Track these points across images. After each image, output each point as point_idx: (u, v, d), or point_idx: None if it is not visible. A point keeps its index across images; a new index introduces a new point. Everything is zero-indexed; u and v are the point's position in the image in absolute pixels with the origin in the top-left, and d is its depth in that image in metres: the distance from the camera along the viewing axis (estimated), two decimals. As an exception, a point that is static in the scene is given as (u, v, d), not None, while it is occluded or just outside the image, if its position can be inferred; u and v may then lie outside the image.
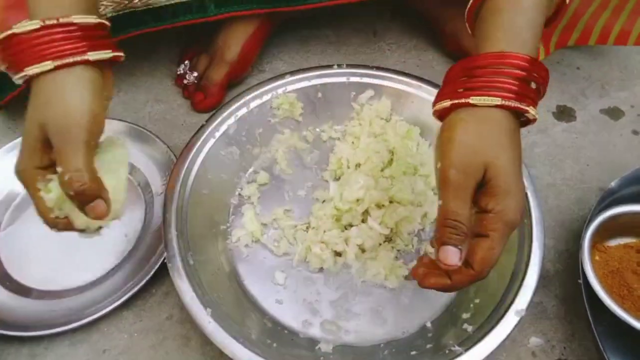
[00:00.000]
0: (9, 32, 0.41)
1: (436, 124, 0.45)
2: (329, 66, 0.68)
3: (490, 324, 0.50)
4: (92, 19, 0.43)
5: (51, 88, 0.42)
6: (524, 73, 0.41)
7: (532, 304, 0.51)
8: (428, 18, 0.85)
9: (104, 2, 0.63)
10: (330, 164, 0.67)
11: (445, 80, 0.46)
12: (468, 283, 0.41)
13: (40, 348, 0.57)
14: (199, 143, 0.62)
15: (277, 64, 0.83)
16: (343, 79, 0.68)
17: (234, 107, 0.65)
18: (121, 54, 0.47)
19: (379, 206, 0.61)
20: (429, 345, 0.52)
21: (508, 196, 0.40)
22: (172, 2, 0.65)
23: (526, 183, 0.56)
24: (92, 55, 0.42)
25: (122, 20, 0.65)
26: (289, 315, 0.57)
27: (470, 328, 0.51)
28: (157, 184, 0.67)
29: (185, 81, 0.76)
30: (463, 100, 0.41)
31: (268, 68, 0.82)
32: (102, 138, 0.46)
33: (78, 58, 0.42)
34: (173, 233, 0.55)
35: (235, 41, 0.75)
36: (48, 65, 0.41)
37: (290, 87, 0.67)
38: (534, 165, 0.71)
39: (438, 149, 0.42)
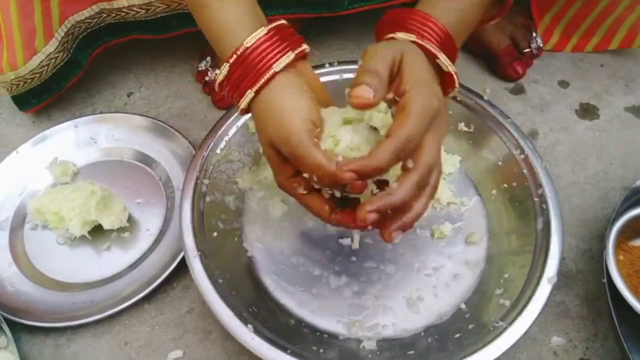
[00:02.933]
0: (216, 83, 0.47)
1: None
2: (321, 65, 0.67)
3: (526, 296, 0.51)
4: (260, 33, 0.44)
5: (261, 109, 0.45)
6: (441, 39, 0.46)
7: (553, 302, 0.51)
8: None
9: (155, 3, 0.64)
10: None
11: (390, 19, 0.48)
12: (410, 185, 0.40)
13: (63, 339, 0.58)
14: (216, 137, 0.62)
15: (296, 60, 0.83)
16: (336, 77, 0.67)
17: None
18: (302, 48, 0.46)
19: None
20: (470, 326, 0.53)
21: (419, 82, 0.42)
22: None
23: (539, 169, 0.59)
24: (277, 67, 0.44)
25: (173, 20, 0.67)
26: (324, 319, 0.56)
27: (507, 302, 0.52)
28: (178, 179, 0.67)
29: (206, 78, 0.77)
30: (432, 50, 0.45)
31: (288, 64, 0.82)
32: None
33: (268, 75, 0.44)
34: (195, 253, 0.53)
35: None
36: (249, 95, 0.45)
37: None
38: (556, 163, 0.70)
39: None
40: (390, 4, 0.70)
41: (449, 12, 0.47)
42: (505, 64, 0.78)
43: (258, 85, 0.44)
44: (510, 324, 0.49)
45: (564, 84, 0.79)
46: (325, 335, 0.55)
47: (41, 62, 0.65)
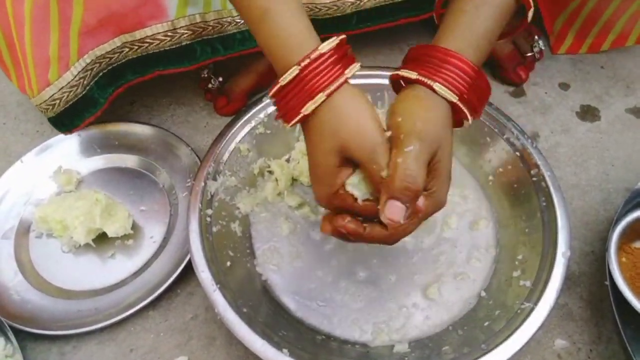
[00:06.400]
0: (277, 86, 0.44)
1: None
2: None
3: (545, 273, 0.52)
4: (333, 42, 0.44)
5: (332, 114, 0.44)
6: (471, 80, 0.45)
7: (557, 305, 0.51)
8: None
9: (180, 30, 0.64)
10: None
11: (410, 56, 0.49)
12: (375, 240, 0.45)
13: (69, 347, 0.58)
14: (211, 164, 0.61)
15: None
16: None
17: (257, 108, 0.65)
18: (359, 64, 0.46)
19: None
20: (497, 312, 0.54)
21: (445, 182, 0.45)
22: (242, 29, 0.66)
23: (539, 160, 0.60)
24: (348, 73, 0.44)
25: (197, 47, 0.66)
26: (351, 331, 0.56)
27: (528, 283, 0.53)
28: (181, 186, 0.68)
29: (209, 85, 0.77)
30: (428, 82, 0.45)
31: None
32: None
33: (341, 80, 0.44)
34: (214, 287, 0.52)
35: None
36: (321, 98, 0.43)
37: None
38: (557, 165, 0.71)
39: (396, 114, 0.45)
40: (397, 24, 0.70)
41: (474, 42, 0.47)
42: (508, 69, 0.78)
43: (331, 88, 0.43)
44: (536, 303, 0.50)
45: (564, 86, 0.80)
46: (357, 346, 0.55)
47: (53, 94, 0.63)
